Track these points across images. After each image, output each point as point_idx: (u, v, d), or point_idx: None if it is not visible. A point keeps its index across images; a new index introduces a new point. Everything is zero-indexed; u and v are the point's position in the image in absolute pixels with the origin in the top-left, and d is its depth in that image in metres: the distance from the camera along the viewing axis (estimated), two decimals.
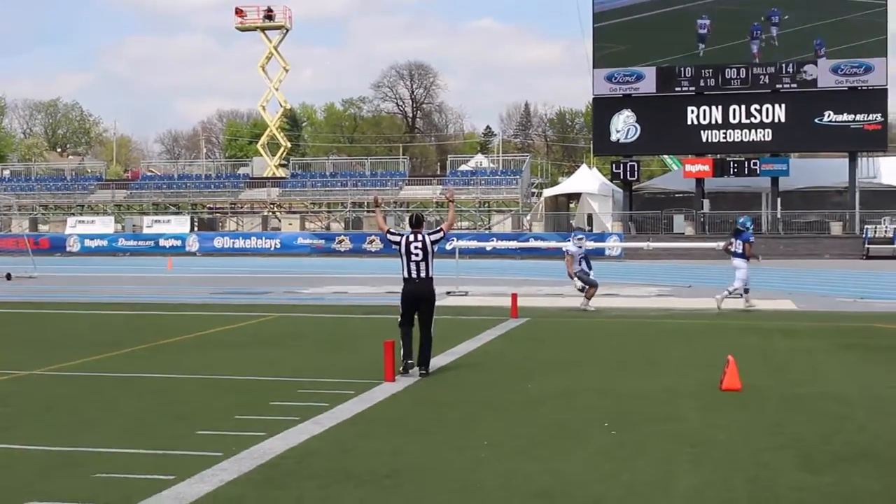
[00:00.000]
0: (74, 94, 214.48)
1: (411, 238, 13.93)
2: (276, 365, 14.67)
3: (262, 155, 79.27)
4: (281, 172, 74.50)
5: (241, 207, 67.92)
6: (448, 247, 32.02)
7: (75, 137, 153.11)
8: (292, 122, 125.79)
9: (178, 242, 58.03)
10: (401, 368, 13.51)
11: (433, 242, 13.95)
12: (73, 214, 65.03)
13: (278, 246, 56.84)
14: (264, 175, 72.54)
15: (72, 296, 28.12)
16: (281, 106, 79.29)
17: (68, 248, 58.51)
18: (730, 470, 8.50)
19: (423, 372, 13.73)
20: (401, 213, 63.74)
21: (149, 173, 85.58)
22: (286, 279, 35.72)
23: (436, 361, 14.71)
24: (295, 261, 50.49)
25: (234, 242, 57.52)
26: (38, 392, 12.53)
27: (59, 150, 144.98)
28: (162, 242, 58.16)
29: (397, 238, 14.12)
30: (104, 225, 61.82)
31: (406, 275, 13.89)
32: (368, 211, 60.85)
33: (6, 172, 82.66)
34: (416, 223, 14.33)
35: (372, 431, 10.06)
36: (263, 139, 79.50)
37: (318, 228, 65.90)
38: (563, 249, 24.74)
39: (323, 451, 9.18)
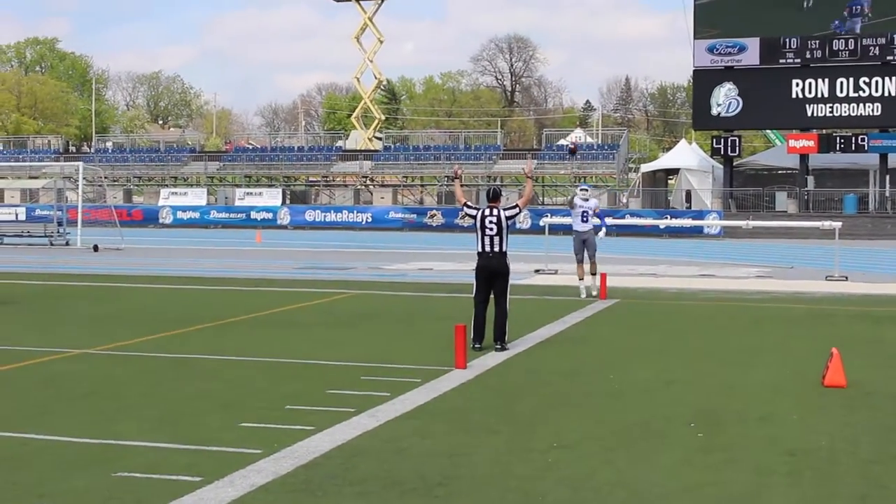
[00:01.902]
0: (178, 67, 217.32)
1: (486, 212, 13.70)
2: (342, 347, 13.79)
3: (357, 128, 78.71)
4: (375, 145, 73.84)
5: (334, 180, 67.36)
6: (540, 223, 30.96)
7: (176, 110, 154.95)
8: (391, 95, 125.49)
9: (270, 215, 57.59)
10: (472, 346, 13.20)
11: (508, 218, 13.68)
12: (167, 186, 65.03)
13: (370, 220, 56.13)
14: (358, 148, 71.93)
15: (153, 269, 27.63)
16: (376, 78, 78.50)
17: (161, 220, 58.47)
18: (834, 485, 7.38)
19: (499, 347, 13.44)
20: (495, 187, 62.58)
21: (247, 145, 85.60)
22: (373, 254, 34.96)
23: (514, 345, 13.83)
24: (385, 235, 49.75)
25: (325, 216, 56.92)
26: (86, 373, 11.80)
27: (160, 122, 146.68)
28: (253, 215, 57.73)
29: (473, 212, 13.98)
30: (196, 197, 61.58)
31: (480, 249, 13.74)
32: (449, 183, 59.60)
33: (108, 144, 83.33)
34: (493, 197, 13.96)
35: (431, 427, 9.09)
36: (357, 111, 78.85)
37: (411, 202, 65.15)
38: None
39: (373, 451, 8.24)
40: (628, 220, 45.98)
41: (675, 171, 62.65)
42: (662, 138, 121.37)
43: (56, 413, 9.67)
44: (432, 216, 55.41)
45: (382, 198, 61.69)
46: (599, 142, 76.40)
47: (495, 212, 13.67)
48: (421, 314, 17.91)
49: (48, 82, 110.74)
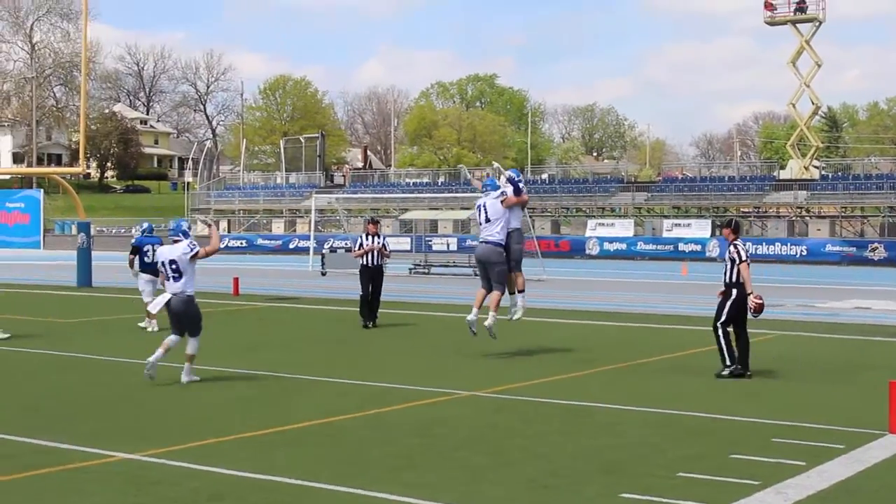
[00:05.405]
0: (612, 99, 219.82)
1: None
2: (754, 400, 12.16)
3: (793, 157, 75.26)
4: (812, 174, 70.15)
5: (766, 211, 64.47)
6: None
7: (611, 141, 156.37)
8: (831, 122, 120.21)
9: (698, 247, 55.82)
10: (726, 372, 13.96)
11: None
12: (594, 217, 64.69)
13: (804, 253, 53.10)
14: (794, 177, 68.61)
15: (568, 302, 26.83)
16: (812, 104, 74.67)
17: (587, 251, 58.06)
18: None
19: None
20: None
21: (680, 176, 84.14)
22: (806, 290, 32.50)
23: None
24: (821, 269, 46.62)
25: (756, 248, 54.28)
26: (467, 420, 10.90)
27: (594, 153, 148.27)
28: (681, 247, 56.16)
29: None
30: (623, 228, 60.78)
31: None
32: (891, 214, 55.38)
33: (543, 176, 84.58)
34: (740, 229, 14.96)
35: None
36: (793, 139, 75.28)
37: (850, 234, 61.17)
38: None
39: None
40: None
41: None
42: None
43: (419, 467, 8.76)
44: (874, 249, 51.57)
45: (819, 229, 58.27)
46: None
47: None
48: (852, 362, 15.84)
49: (487, 116, 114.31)
